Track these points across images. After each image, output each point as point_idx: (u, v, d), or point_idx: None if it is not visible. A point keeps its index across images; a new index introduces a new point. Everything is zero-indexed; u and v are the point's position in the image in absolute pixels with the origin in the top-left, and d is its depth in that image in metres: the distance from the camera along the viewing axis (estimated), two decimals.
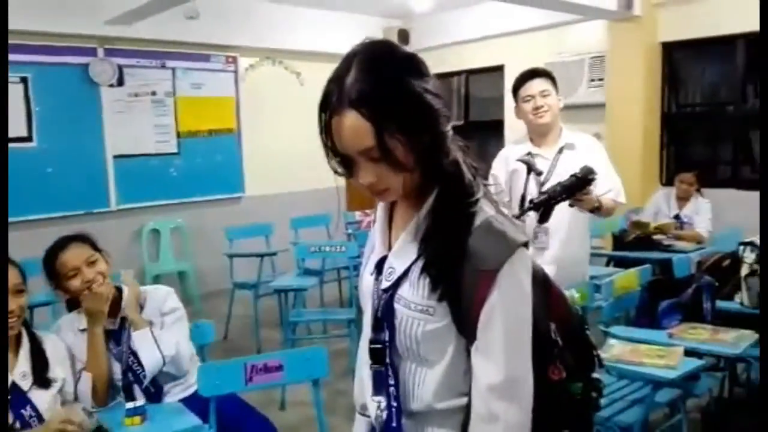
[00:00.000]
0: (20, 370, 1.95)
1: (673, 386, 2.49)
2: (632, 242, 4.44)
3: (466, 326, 1.02)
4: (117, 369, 2.18)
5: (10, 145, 4.82)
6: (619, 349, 2.44)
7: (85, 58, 5.47)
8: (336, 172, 1.06)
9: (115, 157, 5.71)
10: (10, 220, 4.02)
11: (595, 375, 1.16)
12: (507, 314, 1.00)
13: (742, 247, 2.96)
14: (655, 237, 4.45)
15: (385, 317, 1.09)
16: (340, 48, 1.04)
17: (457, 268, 1.00)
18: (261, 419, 2.37)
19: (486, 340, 1.01)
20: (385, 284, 1.10)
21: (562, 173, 2.51)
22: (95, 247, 2.23)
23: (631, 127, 5.56)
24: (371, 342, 1.12)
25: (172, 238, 6.06)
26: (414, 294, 1.05)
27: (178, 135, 6.11)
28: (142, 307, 2.26)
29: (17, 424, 1.88)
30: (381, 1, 6.41)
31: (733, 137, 5.39)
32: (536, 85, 2.62)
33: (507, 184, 2.72)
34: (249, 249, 5.16)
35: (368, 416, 1.16)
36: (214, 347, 2.44)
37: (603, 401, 1.18)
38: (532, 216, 2.41)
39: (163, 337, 2.21)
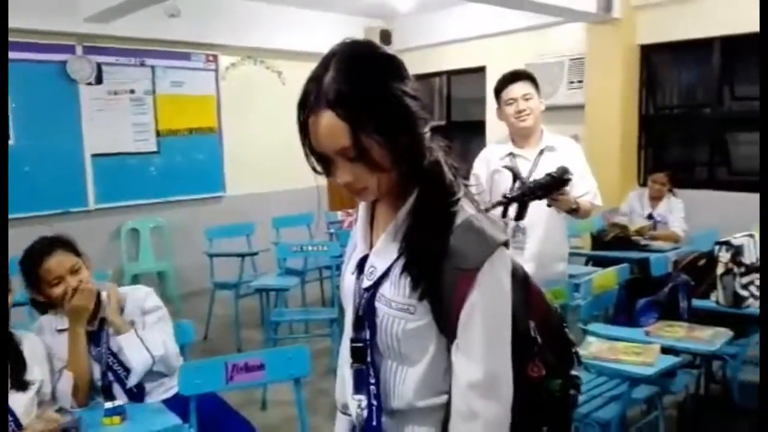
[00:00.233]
0: None
1: (650, 383, 2.53)
2: (611, 242, 4.49)
3: (446, 325, 1.03)
4: (96, 370, 2.17)
5: None
6: (597, 346, 2.47)
7: (63, 56, 5.41)
8: (315, 170, 1.07)
9: (94, 155, 5.64)
10: None
11: (573, 372, 1.17)
12: (487, 313, 1.01)
13: (717, 247, 3.01)
14: (633, 237, 4.51)
15: (366, 316, 1.10)
16: (321, 47, 1.05)
17: (438, 267, 1.01)
18: (241, 420, 2.36)
19: (466, 338, 1.02)
20: (366, 283, 1.11)
21: (542, 175, 2.53)
22: (77, 252, 2.22)
23: (610, 128, 5.63)
24: (352, 341, 1.13)
25: (152, 237, 6.00)
26: (395, 293, 1.05)
27: (158, 134, 6.05)
28: (122, 309, 2.25)
29: None
30: (363, 0, 6.42)
31: (709, 139, 5.47)
32: (519, 89, 2.65)
33: (488, 184, 2.74)
34: (230, 249, 5.14)
35: (349, 415, 1.17)
36: (193, 347, 2.42)
37: (581, 398, 1.19)
38: (510, 215, 2.43)
39: (149, 336, 2.20)
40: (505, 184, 2.56)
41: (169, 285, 5.86)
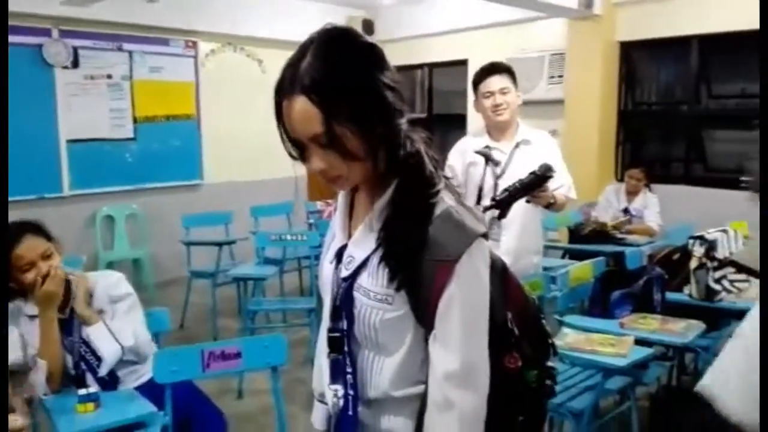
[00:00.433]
0: None
1: (624, 374, 2.57)
2: (587, 235, 4.55)
3: (424, 316, 1.03)
4: (68, 360, 2.14)
5: None
6: (573, 337, 2.50)
7: (39, 39, 5.30)
8: (291, 155, 1.06)
9: (69, 141, 5.55)
10: None
11: (549, 363, 1.18)
12: (464, 304, 1.01)
13: (691, 241, 3.06)
14: (610, 232, 4.57)
15: (343, 306, 1.09)
16: (302, 36, 1.03)
17: (416, 257, 1.01)
18: (213, 408, 2.34)
19: (443, 329, 1.02)
20: (344, 273, 1.10)
21: (518, 167, 2.55)
22: (48, 237, 2.19)
23: (589, 123, 5.67)
24: (329, 330, 1.12)
25: (127, 225, 5.93)
26: (373, 283, 1.05)
27: (135, 120, 5.97)
28: (91, 296, 2.22)
29: None
30: None
31: (686, 136, 5.54)
32: (496, 82, 2.65)
33: (463, 176, 2.75)
34: (207, 237, 5.09)
35: (326, 404, 1.17)
36: (169, 336, 2.40)
37: (556, 388, 1.20)
38: (489, 211, 2.45)
39: (119, 326, 2.18)
40: (480, 176, 2.58)
41: (144, 273, 5.80)
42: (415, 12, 6.80)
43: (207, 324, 4.63)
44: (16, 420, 1.74)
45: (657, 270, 3.02)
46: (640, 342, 2.49)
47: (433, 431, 1.03)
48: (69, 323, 2.17)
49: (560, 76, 5.90)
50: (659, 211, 4.88)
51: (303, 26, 1.07)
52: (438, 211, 1.03)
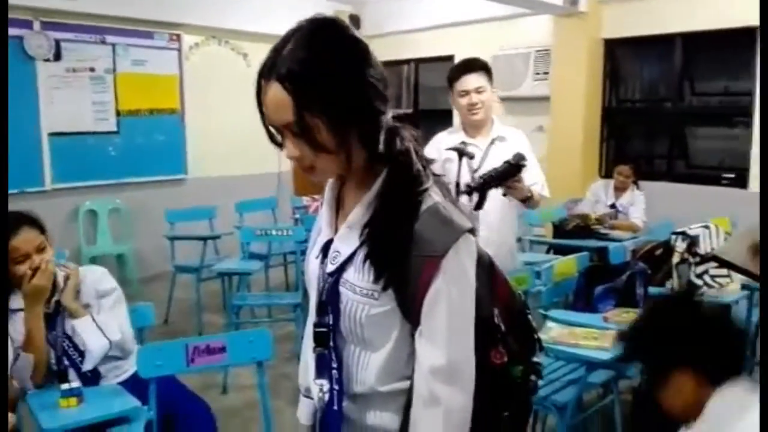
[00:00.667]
0: None
1: (607, 367, 2.59)
2: (571, 231, 4.58)
3: (410, 311, 1.03)
4: (51, 355, 2.13)
5: None
6: (557, 331, 2.52)
7: (20, 31, 5.21)
8: (271, 140, 1.06)
9: (51, 134, 5.47)
10: None
11: (535, 359, 1.18)
12: (451, 299, 1.01)
13: (674, 237, 3.09)
14: (593, 226, 4.61)
15: (329, 301, 1.09)
16: (286, 30, 1.03)
17: (401, 255, 1.00)
18: (201, 404, 2.33)
19: (430, 324, 1.02)
20: (330, 268, 1.10)
21: (493, 164, 2.53)
22: (42, 230, 2.19)
23: (574, 120, 5.71)
24: (315, 325, 1.12)
25: (110, 219, 5.87)
26: (359, 278, 1.05)
27: (118, 113, 5.89)
28: (77, 291, 2.20)
29: None
30: None
31: (669, 133, 5.60)
32: (472, 81, 2.63)
33: (439, 172, 2.73)
34: (191, 232, 5.06)
35: (312, 398, 1.16)
36: (153, 331, 2.39)
37: (540, 381, 1.20)
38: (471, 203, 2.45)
39: (105, 321, 2.16)
40: (455, 171, 2.57)
41: (128, 268, 5.75)
42: (402, 7, 6.79)
43: (192, 319, 4.61)
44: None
45: (640, 265, 3.05)
46: None
47: (419, 426, 1.03)
48: (53, 317, 2.15)
49: (546, 73, 5.93)
50: (645, 209, 4.94)
51: (288, 20, 1.06)
52: (425, 206, 1.02)
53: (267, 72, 0.99)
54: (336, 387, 1.09)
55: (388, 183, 1.05)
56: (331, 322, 1.09)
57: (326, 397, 1.10)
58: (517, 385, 1.14)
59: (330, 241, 1.12)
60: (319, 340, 1.11)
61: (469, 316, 1.04)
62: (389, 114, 1.07)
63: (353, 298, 1.05)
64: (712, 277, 3.05)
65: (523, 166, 2.36)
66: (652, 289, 3.04)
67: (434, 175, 1.11)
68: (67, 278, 2.17)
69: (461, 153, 2.48)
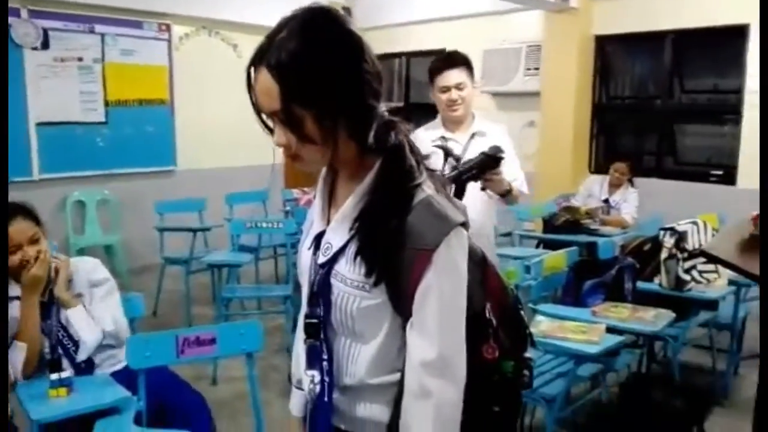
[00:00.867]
0: None
1: (595, 361, 2.62)
2: (561, 226, 4.61)
3: (401, 304, 1.02)
4: (45, 344, 2.12)
5: None
6: (546, 325, 2.54)
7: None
8: (263, 125, 1.06)
9: (38, 124, 5.42)
10: None
11: (527, 354, 1.18)
12: (442, 293, 1.01)
13: (662, 233, 3.12)
14: (583, 221, 4.63)
15: (321, 292, 1.09)
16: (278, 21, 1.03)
17: (392, 249, 1.00)
18: (191, 392, 2.33)
19: (420, 317, 1.01)
20: (321, 259, 1.09)
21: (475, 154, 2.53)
22: (38, 222, 2.19)
23: (564, 115, 5.73)
24: (306, 316, 1.12)
25: (99, 210, 5.82)
26: (350, 270, 1.04)
27: (107, 104, 5.85)
28: (70, 280, 2.20)
29: None
30: None
31: (658, 130, 5.63)
32: (453, 77, 2.59)
33: None
34: (181, 224, 5.03)
35: (304, 390, 1.16)
36: (142, 323, 2.38)
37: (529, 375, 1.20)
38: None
39: (98, 311, 2.17)
40: (437, 167, 2.54)
41: (117, 259, 5.71)
42: (394, 0, 6.77)
43: (181, 311, 4.59)
44: None
45: (628, 260, 3.08)
46: (611, 330, 2.54)
47: (409, 419, 1.02)
48: (48, 307, 2.15)
49: (537, 68, 5.94)
50: (637, 206, 4.94)
51: (279, 11, 1.05)
52: (417, 200, 1.02)
53: (258, 59, 0.99)
54: (326, 379, 1.09)
55: (380, 176, 1.04)
56: (322, 314, 1.09)
57: (317, 388, 1.10)
58: (509, 381, 1.13)
59: (322, 233, 1.12)
60: (310, 331, 1.11)
61: (461, 309, 1.04)
62: (383, 108, 1.06)
63: (344, 290, 1.05)
64: (700, 272, 3.09)
65: (501, 158, 2.33)
66: (641, 284, 3.07)
67: (428, 170, 1.10)
68: (56, 270, 2.16)
69: (447, 153, 2.45)
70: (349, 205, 1.06)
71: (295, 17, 1.00)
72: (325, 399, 1.09)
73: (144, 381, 2.02)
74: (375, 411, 1.09)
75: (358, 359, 1.08)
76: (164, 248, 4.86)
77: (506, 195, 2.53)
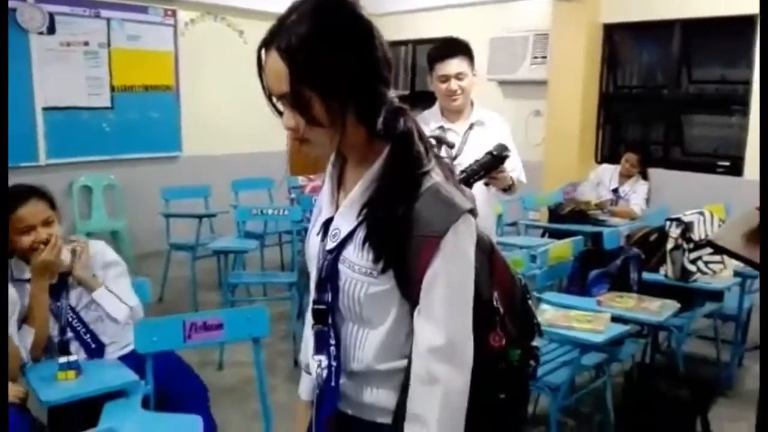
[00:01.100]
0: None
1: (599, 350, 2.63)
2: (567, 215, 4.60)
3: (409, 290, 1.03)
4: (54, 326, 2.14)
5: None
6: (551, 314, 2.54)
7: (13, 3, 5.14)
8: (273, 108, 1.06)
9: (45, 109, 5.42)
10: None
11: (533, 343, 1.18)
12: (449, 279, 1.01)
13: (668, 223, 3.11)
14: (591, 212, 4.62)
15: (329, 278, 1.09)
16: (283, 7, 1.03)
17: (400, 235, 1.01)
18: (195, 379, 2.34)
19: (428, 304, 1.02)
20: (330, 245, 1.10)
21: (472, 148, 2.50)
22: (53, 205, 2.20)
23: (571, 104, 5.70)
24: (314, 302, 1.12)
25: (105, 195, 5.84)
26: (358, 257, 1.05)
27: (112, 89, 5.85)
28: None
29: None
30: None
31: (665, 120, 5.60)
32: (453, 66, 2.54)
33: None
34: (186, 210, 5.04)
35: (312, 374, 1.17)
36: (149, 309, 2.40)
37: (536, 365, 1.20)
38: None
39: (118, 289, 2.21)
40: None
41: (123, 245, 5.72)
42: None
43: (187, 297, 4.61)
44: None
45: (634, 250, 3.07)
46: (616, 319, 2.54)
47: (417, 405, 1.03)
48: (57, 288, 2.16)
49: (544, 57, 5.90)
50: (646, 198, 4.90)
51: None
52: (425, 186, 1.02)
53: (269, 41, 1.00)
54: (334, 364, 1.09)
55: (389, 162, 1.05)
56: (330, 300, 1.09)
57: (324, 373, 1.11)
58: (515, 369, 1.14)
59: (331, 219, 1.12)
60: (318, 317, 1.11)
61: (468, 296, 1.04)
62: (392, 94, 1.07)
63: (352, 276, 1.06)
64: (706, 263, 3.08)
65: (506, 157, 2.31)
66: (646, 274, 3.07)
67: (437, 157, 1.10)
68: (73, 252, 2.17)
69: (441, 141, 2.43)
70: (357, 191, 1.07)
71: (306, 0, 1.00)
72: (332, 384, 1.10)
73: (152, 365, 2.03)
74: (382, 396, 1.10)
75: (365, 345, 1.09)
76: (170, 234, 4.88)
77: (508, 189, 2.53)
